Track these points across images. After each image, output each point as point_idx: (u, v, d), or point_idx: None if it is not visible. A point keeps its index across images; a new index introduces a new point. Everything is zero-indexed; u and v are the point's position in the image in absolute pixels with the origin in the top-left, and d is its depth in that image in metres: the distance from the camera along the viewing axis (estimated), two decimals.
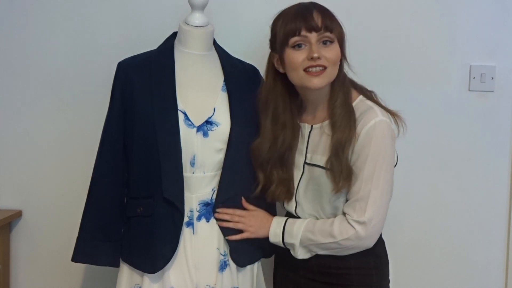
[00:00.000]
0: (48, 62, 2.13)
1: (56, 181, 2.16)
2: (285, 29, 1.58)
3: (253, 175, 1.72)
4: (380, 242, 1.68)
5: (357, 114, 1.59)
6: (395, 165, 1.65)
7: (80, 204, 1.76)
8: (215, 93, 1.72)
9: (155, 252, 1.63)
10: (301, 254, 1.65)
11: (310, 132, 1.67)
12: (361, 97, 1.64)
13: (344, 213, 1.60)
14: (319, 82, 1.57)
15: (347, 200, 1.60)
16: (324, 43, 1.58)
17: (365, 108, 1.60)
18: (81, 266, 2.10)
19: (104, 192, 1.73)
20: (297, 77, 1.59)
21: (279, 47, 1.61)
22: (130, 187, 1.73)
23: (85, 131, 2.10)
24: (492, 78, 2.11)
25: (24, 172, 2.17)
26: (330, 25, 1.57)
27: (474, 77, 2.11)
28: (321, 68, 1.56)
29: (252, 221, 1.69)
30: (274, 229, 1.68)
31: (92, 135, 1.87)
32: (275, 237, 1.68)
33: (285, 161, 1.68)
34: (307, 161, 1.66)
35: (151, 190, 1.65)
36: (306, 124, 1.69)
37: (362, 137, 1.55)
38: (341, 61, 1.62)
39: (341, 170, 1.56)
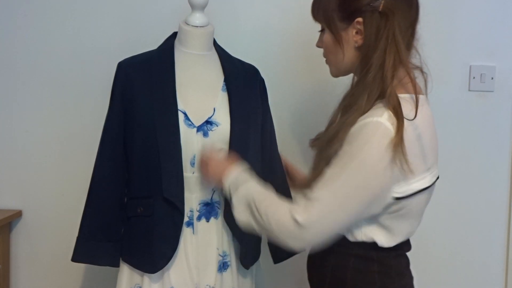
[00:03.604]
0: (48, 62, 2.13)
1: (56, 181, 2.16)
2: None
3: (256, 172, 1.72)
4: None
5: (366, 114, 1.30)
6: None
7: (80, 204, 1.76)
8: (215, 93, 1.72)
9: (155, 252, 1.63)
10: (237, 211, 1.43)
11: None
12: (384, 103, 1.29)
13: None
14: (330, 70, 1.50)
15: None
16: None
17: (376, 108, 1.30)
18: (81, 266, 2.10)
19: (104, 192, 1.73)
20: None
21: None
22: (130, 187, 1.72)
23: (85, 131, 2.10)
24: (492, 78, 2.11)
25: (24, 172, 2.17)
26: (317, 14, 1.46)
27: (474, 77, 2.11)
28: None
29: (211, 168, 1.56)
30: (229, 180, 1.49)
31: (92, 135, 1.87)
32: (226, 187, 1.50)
33: None
34: None
35: (151, 190, 1.65)
36: None
37: (349, 135, 1.28)
38: (361, 49, 1.36)
39: (315, 177, 1.34)
